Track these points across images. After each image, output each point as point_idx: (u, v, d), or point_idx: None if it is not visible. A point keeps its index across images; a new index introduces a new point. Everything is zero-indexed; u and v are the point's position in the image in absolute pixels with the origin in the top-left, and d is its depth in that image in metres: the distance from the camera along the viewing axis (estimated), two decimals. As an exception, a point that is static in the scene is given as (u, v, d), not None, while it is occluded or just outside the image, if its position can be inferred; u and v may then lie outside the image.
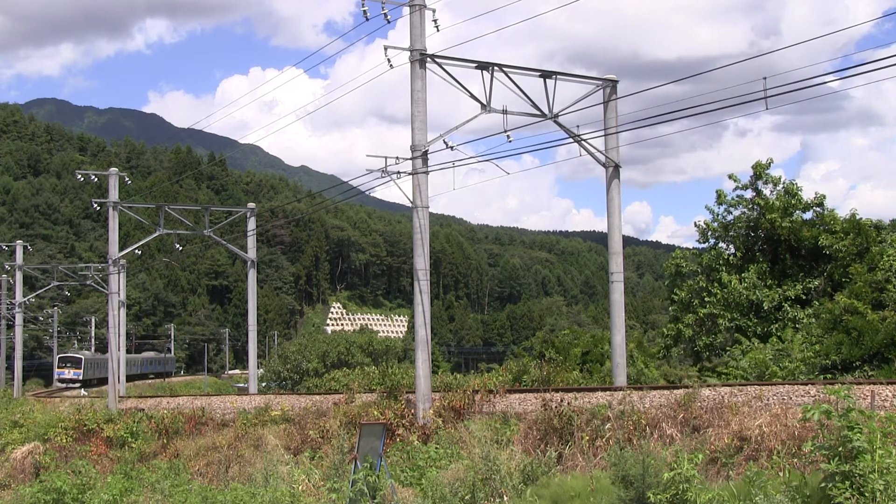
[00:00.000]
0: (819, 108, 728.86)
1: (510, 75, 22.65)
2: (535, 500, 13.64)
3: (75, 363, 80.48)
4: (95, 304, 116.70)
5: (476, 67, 22.24)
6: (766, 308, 30.88)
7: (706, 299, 32.30)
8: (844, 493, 9.45)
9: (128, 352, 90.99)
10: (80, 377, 78.71)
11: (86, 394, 58.83)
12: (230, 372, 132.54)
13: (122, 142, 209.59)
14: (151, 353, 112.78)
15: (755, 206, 32.96)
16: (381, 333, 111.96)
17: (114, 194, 39.28)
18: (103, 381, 73.95)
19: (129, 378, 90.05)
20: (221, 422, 28.18)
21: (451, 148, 21.31)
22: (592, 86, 23.99)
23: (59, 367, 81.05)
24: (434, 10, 21.22)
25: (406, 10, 21.34)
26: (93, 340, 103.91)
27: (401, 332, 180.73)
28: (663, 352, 37.33)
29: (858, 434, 9.70)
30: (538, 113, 23.01)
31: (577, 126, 23.38)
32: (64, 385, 77.04)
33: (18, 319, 63.95)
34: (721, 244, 34.30)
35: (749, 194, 33.44)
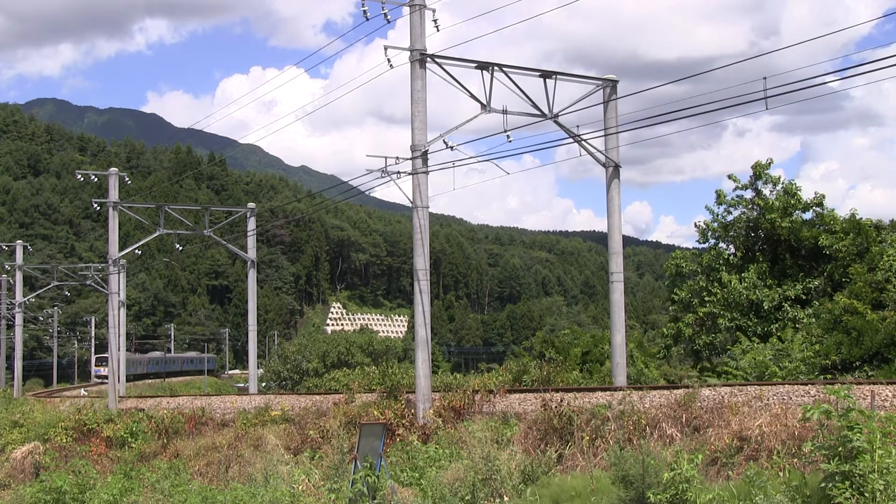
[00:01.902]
0: (819, 108, 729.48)
1: (510, 75, 22.65)
2: (535, 500, 13.63)
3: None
4: (95, 304, 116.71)
5: (476, 67, 22.24)
6: (766, 308, 30.88)
7: (706, 299, 32.29)
8: (844, 493, 9.45)
9: (128, 351, 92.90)
10: None
11: (86, 394, 58.81)
12: (230, 372, 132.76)
13: (122, 142, 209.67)
14: (194, 353, 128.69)
15: (755, 207, 32.96)
16: (381, 333, 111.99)
17: (114, 194, 39.28)
18: (138, 377, 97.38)
19: (170, 374, 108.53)
20: (221, 422, 28.17)
21: (451, 148, 21.31)
22: (592, 86, 23.98)
23: (96, 366, 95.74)
24: (434, 10, 21.24)
25: (406, 10, 21.35)
26: (93, 340, 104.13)
27: (401, 332, 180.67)
28: (663, 352, 37.30)
29: (858, 434, 9.69)
30: (538, 113, 23.01)
31: (577, 126, 23.39)
32: (100, 380, 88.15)
33: (18, 319, 63.93)
34: (721, 244, 34.29)
35: (749, 194, 33.44)
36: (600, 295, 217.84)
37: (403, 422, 20.82)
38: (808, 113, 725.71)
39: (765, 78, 16.16)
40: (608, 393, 18.80)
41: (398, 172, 22.06)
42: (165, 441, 27.18)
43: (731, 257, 33.30)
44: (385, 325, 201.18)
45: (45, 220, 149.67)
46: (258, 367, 46.11)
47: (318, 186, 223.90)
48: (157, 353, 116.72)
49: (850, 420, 9.87)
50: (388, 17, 21.25)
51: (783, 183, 32.74)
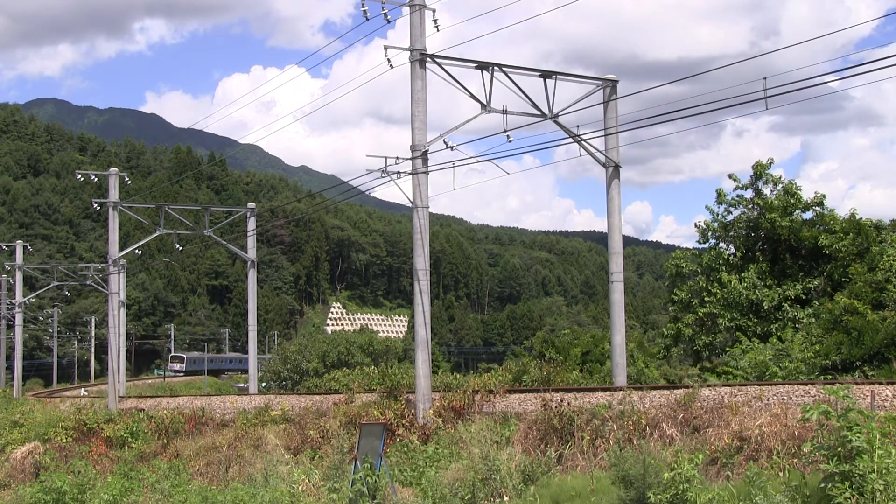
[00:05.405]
0: (819, 108, 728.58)
1: (510, 75, 22.66)
2: (535, 501, 13.64)
3: (180, 360, 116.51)
4: (95, 304, 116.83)
5: (476, 67, 22.25)
6: (766, 308, 30.87)
7: (706, 299, 32.29)
8: (844, 493, 9.45)
9: (128, 351, 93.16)
10: (184, 369, 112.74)
11: (86, 394, 58.83)
12: (230, 372, 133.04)
13: (122, 142, 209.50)
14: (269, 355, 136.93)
15: (755, 206, 32.95)
16: (381, 333, 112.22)
17: (114, 194, 39.29)
18: (209, 372, 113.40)
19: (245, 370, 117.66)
20: (221, 422, 28.17)
21: (451, 148, 21.33)
22: (592, 86, 23.99)
23: (171, 363, 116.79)
24: (434, 10, 21.25)
25: (406, 10, 21.36)
26: (93, 340, 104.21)
27: (401, 332, 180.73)
28: (663, 352, 37.31)
29: (858, 434, 9.69)
30: (538, 113, 23.02)
31: (577, 126, 23.40)
32: (173, 374, 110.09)
33: (18, 319, 63.96)
34: (721, 244, 34.28)
35: (749, 194, 33.42)
36: (600, 295, 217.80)
37: (403, 422, 20.82)
38: (808, 113, 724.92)
39: (765, 78, 16.18)
40: (608, 393, 18.81)
41: (398, 172, 22.07)
42: (165, 441, 27.19)
43: (731, 257, 33.29)
44: (385, 325, 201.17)
45: (45, 220, 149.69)
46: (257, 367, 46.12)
47: (318, 186, 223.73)
48: (233, 354, 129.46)
49: (849, 420, 9.88)
50: (388, 17, 21.29)
51: (783, 183, 32.75)
